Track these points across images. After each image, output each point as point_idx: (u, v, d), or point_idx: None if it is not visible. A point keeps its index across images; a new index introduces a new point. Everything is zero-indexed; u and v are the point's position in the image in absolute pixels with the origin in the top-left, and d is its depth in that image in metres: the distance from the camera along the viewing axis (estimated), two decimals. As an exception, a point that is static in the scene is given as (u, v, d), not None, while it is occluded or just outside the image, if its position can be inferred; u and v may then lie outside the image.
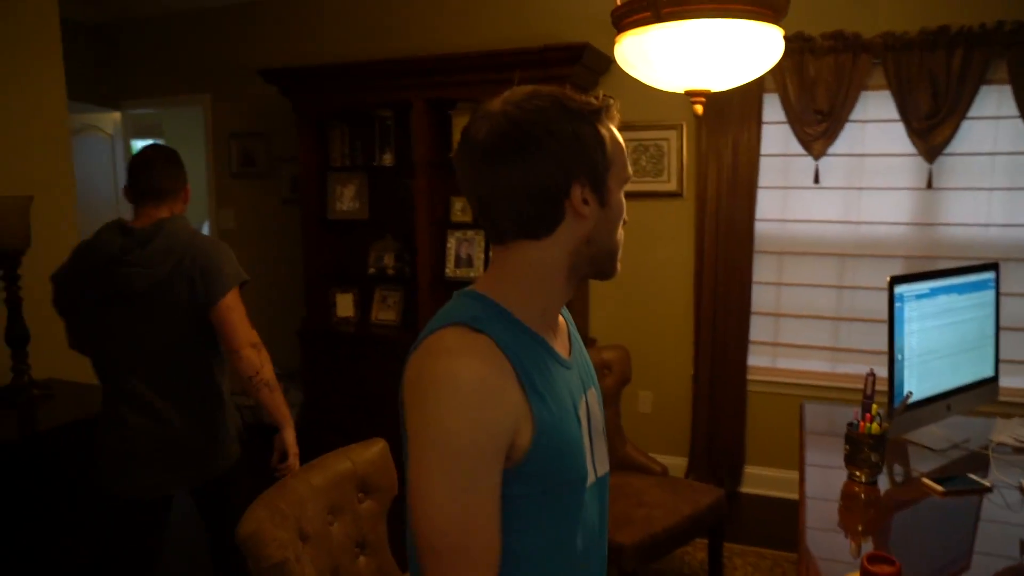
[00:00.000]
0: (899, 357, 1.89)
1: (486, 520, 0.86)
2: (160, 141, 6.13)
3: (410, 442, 0.87)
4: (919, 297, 1.94)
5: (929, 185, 3.17)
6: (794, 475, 1.94)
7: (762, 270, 3.51)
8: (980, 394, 2.12)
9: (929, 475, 1.77)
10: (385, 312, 4.05)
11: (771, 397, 3.52)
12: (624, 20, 1.64)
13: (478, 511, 0.85)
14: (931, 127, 3.05)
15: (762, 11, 1.56)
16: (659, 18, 1.53)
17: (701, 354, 3.52)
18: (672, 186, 3.55)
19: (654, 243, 3.63)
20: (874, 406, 1.76)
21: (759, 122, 3.31)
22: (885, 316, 1.88)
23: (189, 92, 4.68)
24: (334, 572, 1.48)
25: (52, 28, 2.74)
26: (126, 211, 2.11)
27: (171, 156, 2.02)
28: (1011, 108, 2.97)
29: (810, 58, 3.16)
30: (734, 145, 3.34)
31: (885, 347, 1.89)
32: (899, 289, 1.88)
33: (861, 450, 1.73)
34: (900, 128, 3.13)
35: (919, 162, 3.16)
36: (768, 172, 3.42)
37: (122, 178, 4.97)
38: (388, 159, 3.83)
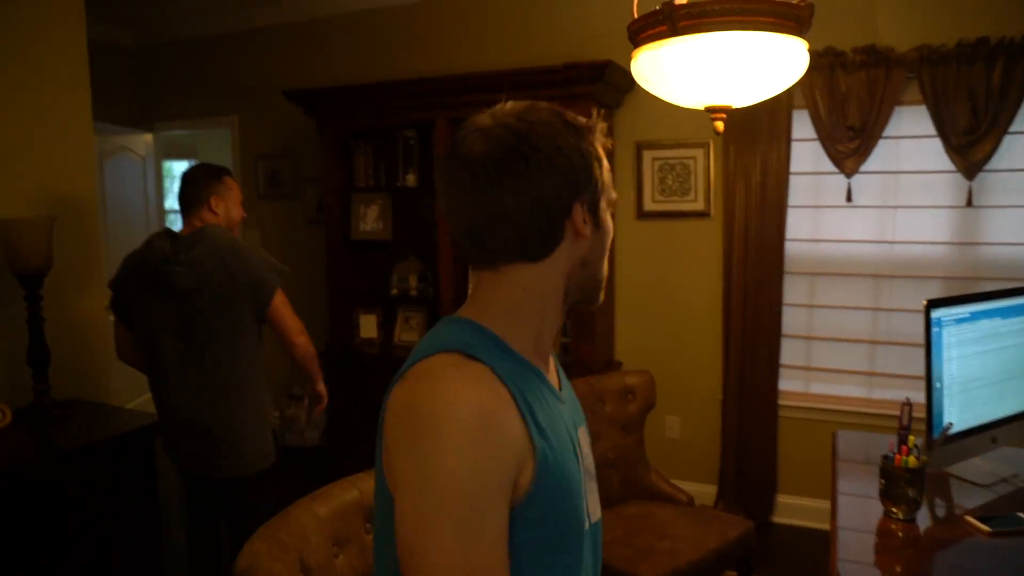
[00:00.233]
0: (937, 385, 1.78)
1: (496, 572, 0.75)
2: (194, 161, 6.33)
3: (400, 486, 0.76)
4: (959, 321, 1.83)
5: (969, 203, 3.04)
6: (829, 504, 1.84)
7: (793, 291, 3.39)
8: (1028, 425, 1.98)
9: (973, 513, 1.65)
10: (408, 333, 4.02)
11: (804, 423, 3.39)
12: (640, 35, 1.58)
13: (487, 562, 0.74)
14: (970, 143, 2.93)
15: (784, 23, 1.48)
16: (676, 32, 1.47)
17: (730, 378, 3.41)
18: (699, 205, 3.46)
19: (681, 264, 3.54)
20: (911, 438, 1.65)
21: (788, 139, 3.22)
22: (923, 341, 1.78)
23: (218, 114, 4.75)
24: (337, 607, 1.42)
25: (80, 52, 2.79)
26: (157, 229, 2.52)
27: (197, 173, 2.31)
28: (1056, 122, 2.85)
29: (841, 73, 3.07)
30: (763, 163, 3.25)
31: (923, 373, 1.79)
32: (936, 313, 1.78)
33: (897, 485, 1.63)
34: (937, 144, 3.01)
35: (958, 179, 3.03)
36: (798, 191, 3.32)
37: (154, 197, 5.07)
38: (411, 179, 3.82)
